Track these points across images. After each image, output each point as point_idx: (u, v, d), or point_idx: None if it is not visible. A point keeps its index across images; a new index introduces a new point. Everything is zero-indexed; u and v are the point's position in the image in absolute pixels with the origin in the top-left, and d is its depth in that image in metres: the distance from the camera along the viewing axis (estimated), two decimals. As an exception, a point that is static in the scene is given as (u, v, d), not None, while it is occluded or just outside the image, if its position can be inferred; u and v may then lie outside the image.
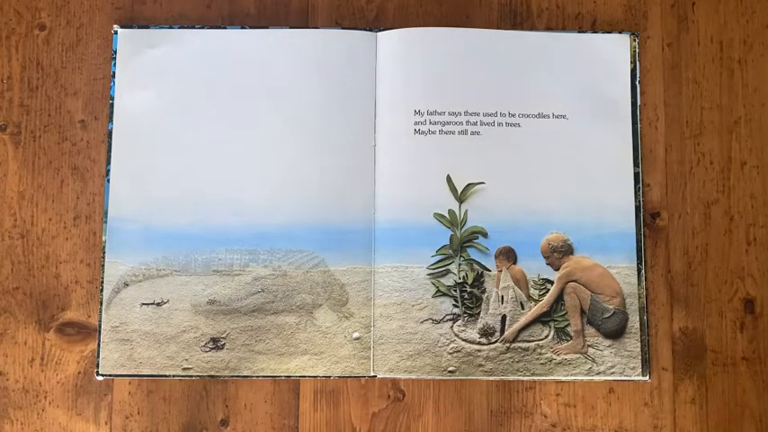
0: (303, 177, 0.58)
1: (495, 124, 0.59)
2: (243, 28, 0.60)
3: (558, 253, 0.58)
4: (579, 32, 0.61)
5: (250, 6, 0.62)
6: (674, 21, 0.62)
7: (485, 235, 0.58)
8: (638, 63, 0.61)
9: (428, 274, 0.57)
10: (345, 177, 0.58)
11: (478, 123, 0.59)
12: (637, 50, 0.61)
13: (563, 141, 0.59)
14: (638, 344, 0.57)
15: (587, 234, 0.58)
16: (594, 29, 0.61)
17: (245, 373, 0.57)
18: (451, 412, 0.58)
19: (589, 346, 0.57)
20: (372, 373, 0.57)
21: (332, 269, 0.58)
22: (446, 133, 0.59)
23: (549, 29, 0.61)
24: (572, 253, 0.58)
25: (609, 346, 0.57)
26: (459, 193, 0.58)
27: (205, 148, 0.59)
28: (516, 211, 0.58)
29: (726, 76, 0.61)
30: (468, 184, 0.58)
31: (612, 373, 0.57)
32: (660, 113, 0.61)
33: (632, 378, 0.57)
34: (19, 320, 0.58)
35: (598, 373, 0.57)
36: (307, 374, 0.57)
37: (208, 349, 0.57)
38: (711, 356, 0.58)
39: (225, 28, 0.60)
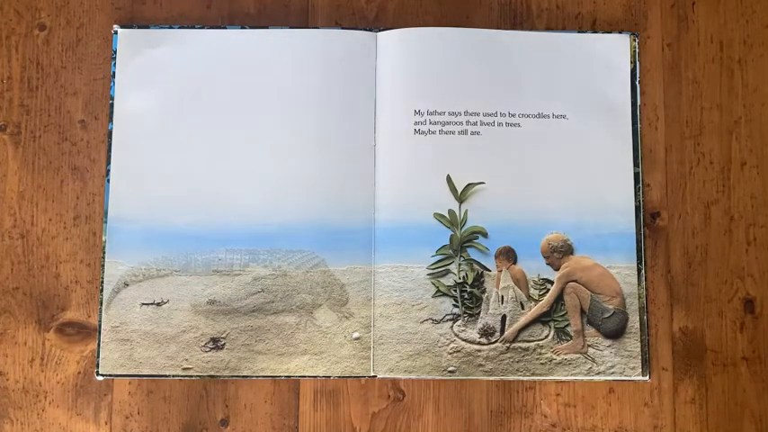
0: (303, 177, 0.58)
1: (495, 124, 0.59)
2: (243, 28, 0.60)
3: (558, 253, 0.58)
4: (579, 32, 0.61)
5: (250, 6, 0.62)
6: (674, 21, 0.62)
7: (485, 235, 0.58)
8: (638, 63, 0.61)
9: (428, 274, 0.57)
10: (345, 177, 0.58)
11: (478, 123, 0.59)
12: (637, 50, 0.61)
13: (563, 141, 0.59)
14: (638, 344, 0.57)
15: (587, 234, 0.58)
16: (594, 29, 0.61)
17: (245, 373, 0.57)
18: (451, 412, 0.58)
19: (589, 345, 0.57)
20: (372, 373, 0.57)
21: (332, 269, 0.58)
22: (446, 133, 0.59)
23: (548, 29, 0.61)
24: (572, 253, 0.58)
25: (609, 346, 0.57)
26: (459, 193, 0.58)
27: (205, 148, 0.59)
28: (516, 211, 0.58)
29: (726, 76, 0.61)
30: (468, 184, 0.58)
31: (612, 373, 0.57)
32: (660, 113, 0.61)
33: (632, 378, 0.57)
34: (19, 320, 0.58)
35: (598, 373, 0.57)
36: (307, 374, 0.57)
37: (208, 349, 0.57)
38: (711, 356, 0.58)
39: (225, 28, 0.60)
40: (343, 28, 0.60)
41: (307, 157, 0.59)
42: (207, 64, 0.60)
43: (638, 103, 0.60)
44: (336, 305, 0.57)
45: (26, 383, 0.58)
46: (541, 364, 0.57)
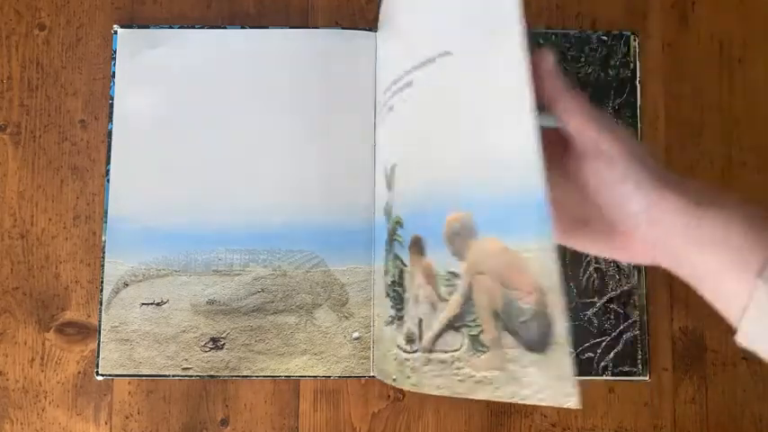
0: (303, 177, 0.58)
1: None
2: (243, 28, 0.60)
3: (460, 237, 0.41)
4: (579, 32, 0.61)
5: (250, 6, 0.62)
6: (674, 21, 0.62)
7: (401, 225, 0.48)
8: (638, 63, 0.61)
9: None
10: (345, 177, 0.58)
11: None
12: (637, 50, 0.61)
13: (455, 91, 0.43)
14: (568, 360, 0.35)
15: (496, 205, 0.39)
16: (594, 28, 0.61)
17: (245, 373, 0.57)
18: (451, 412, 0.58)
19: (509, 360, 0.39)
20: (372, 373, 0.57)
21: (332, 269, 0.58)
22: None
23: (548, 28, 0.61)
24: (475, 235, 0.40)
25: (533, 361, 0.37)
26: (389, 180, 0.51)
27: (205, 148, 0.59)
28: (422, 190, 0.45)
29: (726, 76, 0.61)
30: (391, 168, 0.50)
31: (542, 399, 0.36)
32: (660, 113, 0.61)
33: (632, 378, 0.57)
34: (19, 320, 0.58)
35: (523, 398, 0.37)
36: (307, 374, 0.57)
37: (208, 349, 0.57)
38: (711, 356, 0.58)
39: (225, 28, 0.60)
40: (343, 28, 0.60)
41: (307, 157, 0.59)
42: (207, 64, 0.60)
43: (639, 103, 0.60)
44: (336, 305, 0.57)
45: (26, 383, 0.58)
46: (460, 381, 0.42)
